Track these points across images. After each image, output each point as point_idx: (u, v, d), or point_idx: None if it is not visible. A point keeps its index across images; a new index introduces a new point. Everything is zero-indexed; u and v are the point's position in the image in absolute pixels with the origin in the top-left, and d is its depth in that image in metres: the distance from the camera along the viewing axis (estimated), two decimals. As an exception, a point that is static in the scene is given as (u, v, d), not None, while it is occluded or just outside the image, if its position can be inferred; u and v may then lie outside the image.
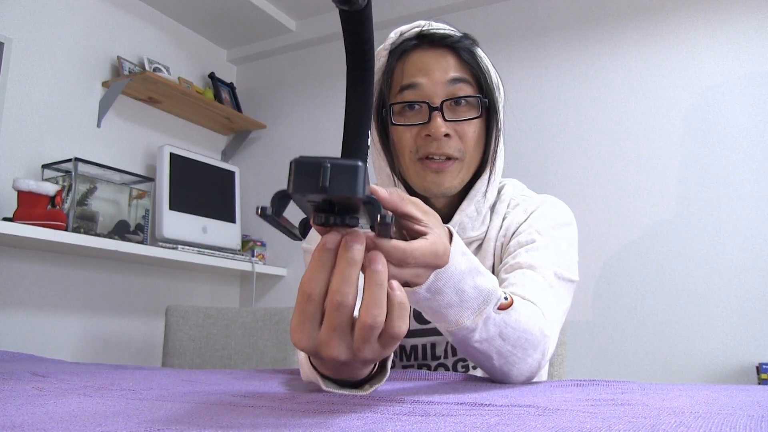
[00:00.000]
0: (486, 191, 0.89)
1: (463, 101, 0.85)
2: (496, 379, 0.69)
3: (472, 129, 0.85)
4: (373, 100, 0.46)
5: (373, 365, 0.53)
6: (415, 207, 0.50)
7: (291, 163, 0.38)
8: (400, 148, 0.87)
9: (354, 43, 0.44)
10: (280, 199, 0.41)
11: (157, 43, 2.65)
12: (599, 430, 0.34)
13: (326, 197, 0.39)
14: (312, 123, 2.82)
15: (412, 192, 0.91)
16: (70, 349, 2.14)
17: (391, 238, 0.45)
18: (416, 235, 0.49)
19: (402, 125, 0.86)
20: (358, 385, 0.54)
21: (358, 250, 0.42)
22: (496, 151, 0.90)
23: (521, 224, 0.89)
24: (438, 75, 0.84)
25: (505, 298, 0.62)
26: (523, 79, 2.38)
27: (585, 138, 2.25)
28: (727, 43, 2.07)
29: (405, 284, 0.52)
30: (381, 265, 0.43)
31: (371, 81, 0.45)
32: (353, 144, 0.45)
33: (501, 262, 0.89)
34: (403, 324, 0.43)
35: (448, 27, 0.88)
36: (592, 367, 2.05)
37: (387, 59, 0.89)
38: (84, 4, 2.33)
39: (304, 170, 0.38)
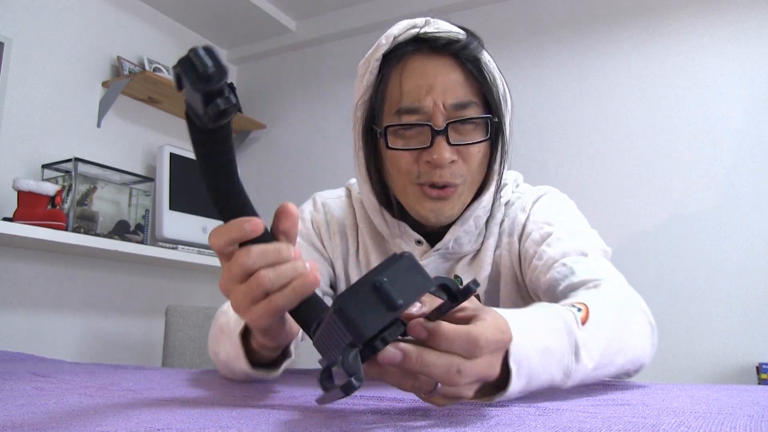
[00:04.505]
0: (491, 210, 0.83)
1: (469, 121, 0.76)
2: (627, 374, 0.65)
3: (478, 150, 0.77)
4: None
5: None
6: None
7: (335, 314, 0.33)
8: (395, 173, 0.78)
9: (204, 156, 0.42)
10: (353, 358, 0.34)
11: (157, 43, 2.65)
12: (599, 430, 0.34)
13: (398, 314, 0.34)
14: (312, 123, 2.82)
15: (405, 213, 0.83)
16: (70, 349, 2.14)
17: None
18: (466, 323, 0.45)
19: (399, 149, 0.76)
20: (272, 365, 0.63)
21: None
22: (501, 172, 0.81)
23: (524, 224, 0.84)
24: (442, 93, 0.74)
25: (578, 309, 0.55)
26: (523, 79, 2.38)
27: (585, 138, 2.25)
28: (727, 43, 2.07)
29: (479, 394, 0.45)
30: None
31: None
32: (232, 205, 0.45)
33: (502, 271, 0.85)
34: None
35: (449, 27, 0.78)
36: (592, 367, 2.05)
37: (379, 70, 0.78)
38: (84, 4, 2.33)
39: (359, 308, 0.33)
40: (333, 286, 0.93)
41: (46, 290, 2.11)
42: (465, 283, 0.83)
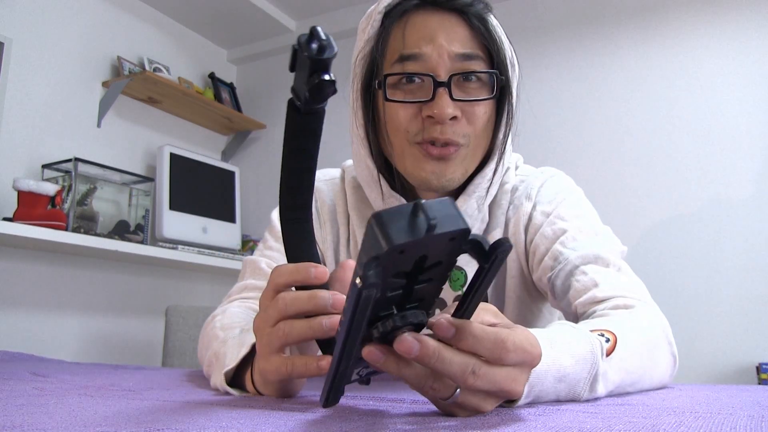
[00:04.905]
0: (489, 187, 0.77)
1: (473, 77, 0.71)
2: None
3: (483, 110, 0.72)
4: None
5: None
6: (491, 314, 0.43)
7: (372, 217, 0.32)
8: (393, 129, 0.73)
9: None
10: (375, 269, 0.32)
11: (157, 43, 2.65)
12: (599, 430, 0.34)
13: (426, 243, 0.32)
14: (312, 123, 2.82)
15: (400, 184, 0.77)
16: (70, 349, 2.14)
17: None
18: None
19: (398, 101, 0.71)
20: None
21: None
22: (505, 141, 0.76)
23: (531, 214, 0.80)
24: (445, 44, 0.70)
25: (607, 340, 0.53)
26: (522, 78, 2.38)
27: (585, 138, 2.25)
28: (727, 43, 2.07)
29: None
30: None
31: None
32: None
33: (508, 263, 0.81)
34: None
35: None
36: (592, 367, 2.05)
37: (381, 23, 0.74)
38: (84, 4, 2.33)
39: (395, 218, 0.32)
40: None
41: (46, 290, 2.11)
42: (469, 277, 0.79)
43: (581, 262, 0.72)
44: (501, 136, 0.76)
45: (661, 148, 2.11)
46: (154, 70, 2.48)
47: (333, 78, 0.39)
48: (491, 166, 0.77)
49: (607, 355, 0.51)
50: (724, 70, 2.06)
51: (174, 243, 2.32)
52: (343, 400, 0.49)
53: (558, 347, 0.47)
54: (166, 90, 2.44)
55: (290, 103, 0.45)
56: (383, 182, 0.77)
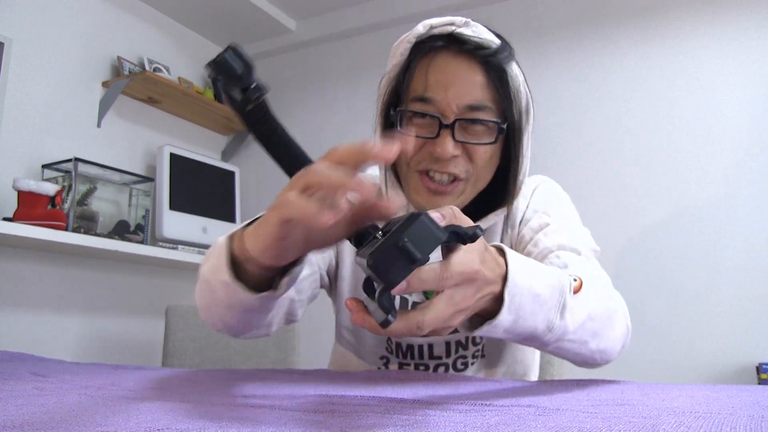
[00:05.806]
0: (507, 215, 0.87)
1: (478, 121, 0.78)
2: (594, 363, 0.69)
3: (484, 150, 0.78)
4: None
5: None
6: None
7: (371, 257, 0.41)
8: (401, 156, 0.83)
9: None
10: (388, 298, 0.42)
11: (157, 43, 2.65)
12: (599, 430, 0.34)
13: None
14: (312, 123, 2.82)
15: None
16: (70, 349, 2.14)
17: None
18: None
19: (408, 135, 0.79)
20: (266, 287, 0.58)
21: None
22: (515, 183, 0.83)
23: (525, 211, 0.89)
24: (458, 91, 0.77)
25: (574, 279, 0.60)
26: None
27: (585, 138, 2.25)
28: (727, 43, 2.07)
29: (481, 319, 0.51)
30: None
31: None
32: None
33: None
34: None
35: (485, 33, 0.82)
36: (592, 367, 2.05)
37: (409, 54, 0.81)
38: (84, 4, 2.33)
39: (387, 257, 0.41)
40: (329, 274, 0.94)
41: (46, 290, 2.11)
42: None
43: (557, 248, 0.80)
44: (511, 179, 0.83)
45: (661, 148, 2.11)
46: (154, 70, 2.48)
47: (261, 90, 0.48)
48: (503, 209, 0.85)
49: (574, 293, 0.58)
50: (724, 70, 2.06)
51: (174, 243, 2.32)
52: (342, 401, 0.49)
53: (529, 267, 0.53)
54: (166, 90, 2.44)
55: (233, 106, 0.53)
56: (398, 187, 0.85)
